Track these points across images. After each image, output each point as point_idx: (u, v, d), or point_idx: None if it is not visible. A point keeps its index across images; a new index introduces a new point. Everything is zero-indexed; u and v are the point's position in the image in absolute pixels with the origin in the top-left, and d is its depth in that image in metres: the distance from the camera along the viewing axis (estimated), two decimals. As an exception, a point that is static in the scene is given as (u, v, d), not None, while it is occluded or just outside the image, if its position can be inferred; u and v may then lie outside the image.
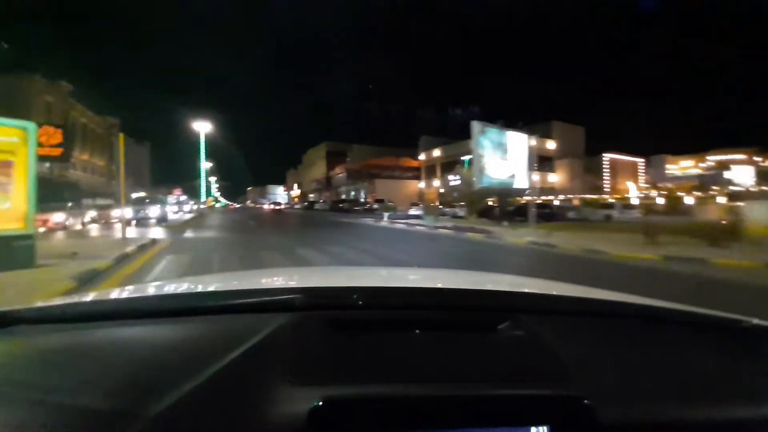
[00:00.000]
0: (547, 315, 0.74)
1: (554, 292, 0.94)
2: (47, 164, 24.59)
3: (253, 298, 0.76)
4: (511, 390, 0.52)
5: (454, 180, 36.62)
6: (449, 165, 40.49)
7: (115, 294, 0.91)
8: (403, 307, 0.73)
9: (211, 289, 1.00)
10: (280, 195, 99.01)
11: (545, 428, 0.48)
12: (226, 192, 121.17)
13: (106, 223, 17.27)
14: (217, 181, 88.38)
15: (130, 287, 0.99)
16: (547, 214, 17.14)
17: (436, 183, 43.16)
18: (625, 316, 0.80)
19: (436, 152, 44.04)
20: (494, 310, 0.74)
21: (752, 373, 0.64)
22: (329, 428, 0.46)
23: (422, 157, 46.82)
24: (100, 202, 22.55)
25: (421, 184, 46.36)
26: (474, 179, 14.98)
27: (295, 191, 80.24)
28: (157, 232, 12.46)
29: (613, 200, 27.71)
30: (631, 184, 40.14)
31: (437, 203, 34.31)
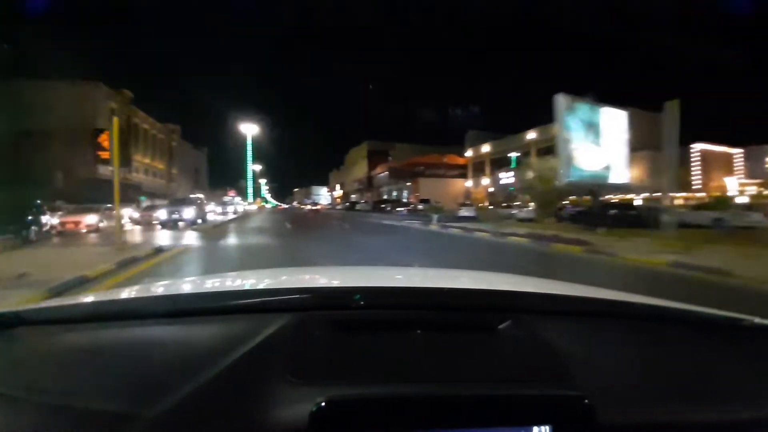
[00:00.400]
0: (548, 315, 0.73)
1: (555, 292, 0.92)
2: (110, 168, 25.55)
3: (254, 299, 0.75)
4: (512, 390, 0.52)
5: (505, 177, 33.06)
6: (499, 161, 36.93)
7: (116, 295, 0.91)
8: (405, 307, 0.72)
9: (212, 289, 0.98)
10: (323, 196, 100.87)
11: (547, 428, 0.48)
12: (275, 193, 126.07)
13: (148, 224, 16.75)
14: (267, 183, 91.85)
15: (132, 288, 0.97)
16: (633, 218, 13.39)
17: (485, 181, 39.65)
18: (625, 316, 0.79)
19: (485, 148, 40.58)
20: (495, 310, 0.73)
21: (753, 373, 0.63)
22: (331, 428, 0.47)
23: (469, 153, 43.59)
24: (158, 202, 22.58)
25: (468, 183, 43.09)
26: (561, 172, 11.23)
27: (338, 192, 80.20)
28: (177, 237, 11.26)
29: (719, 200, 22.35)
30: (731, 180, 32.96)
31: (487, 203, 31.05)
